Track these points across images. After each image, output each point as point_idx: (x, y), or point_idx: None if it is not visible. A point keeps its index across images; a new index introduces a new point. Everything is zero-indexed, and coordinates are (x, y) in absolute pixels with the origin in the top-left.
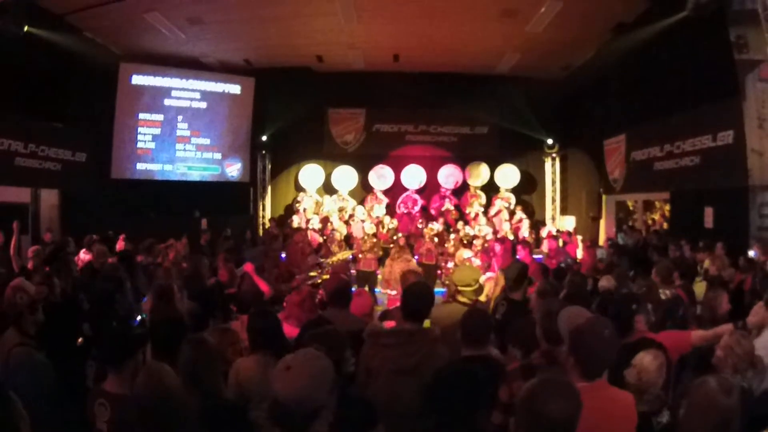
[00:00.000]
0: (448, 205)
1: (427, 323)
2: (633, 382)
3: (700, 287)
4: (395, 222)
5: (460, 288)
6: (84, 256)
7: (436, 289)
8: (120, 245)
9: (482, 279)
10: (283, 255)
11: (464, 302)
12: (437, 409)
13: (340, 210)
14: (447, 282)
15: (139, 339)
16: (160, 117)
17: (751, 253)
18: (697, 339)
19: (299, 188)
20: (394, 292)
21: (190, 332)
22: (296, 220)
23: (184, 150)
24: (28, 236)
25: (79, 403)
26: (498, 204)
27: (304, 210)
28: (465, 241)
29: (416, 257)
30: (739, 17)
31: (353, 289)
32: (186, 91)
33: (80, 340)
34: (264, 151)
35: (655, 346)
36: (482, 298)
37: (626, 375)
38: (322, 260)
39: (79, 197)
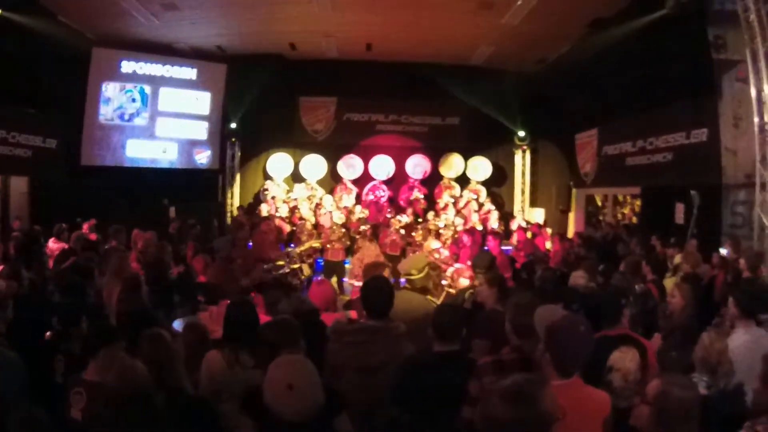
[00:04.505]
0: (417, 194)
1: None
2: (618, 384)
3: (669, 282)
4: (366, 211)
5: (404, 276)
6: (53, 245)
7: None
8: (86, 231)
9: (450, 271)
10: (250, 244)
11: (413, 288)
12: (407, 405)
13: (309, 199)
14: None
15: (116, 329)
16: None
17: (723, 251)
18: None
19: (268, 176)
20: (359, 284)
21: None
22: (265, 209)
23: None
24: None
25: (47, 400)
26: (466, 195)
27: (273, 198)
28: (434, 232)
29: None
30: (718, 17)
31: (318, 278)
32: (157, 77)
33: (48, 334)
34: (234, 139)
35: (636, 343)
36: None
37: (612, 380)
38: (290, 249)
39: (49, 185)
